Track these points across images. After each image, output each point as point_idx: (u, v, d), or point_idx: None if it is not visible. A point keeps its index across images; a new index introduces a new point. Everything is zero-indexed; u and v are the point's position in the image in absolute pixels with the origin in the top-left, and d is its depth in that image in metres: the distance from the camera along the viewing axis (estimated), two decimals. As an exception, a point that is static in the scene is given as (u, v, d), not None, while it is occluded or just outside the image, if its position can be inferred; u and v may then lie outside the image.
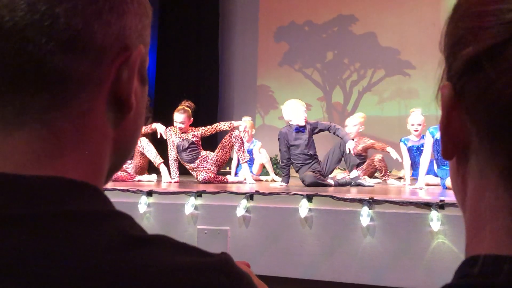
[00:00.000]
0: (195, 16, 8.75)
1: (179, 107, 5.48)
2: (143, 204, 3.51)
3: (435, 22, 7.47)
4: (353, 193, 3.70)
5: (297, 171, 4.98)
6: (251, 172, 6.00)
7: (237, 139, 5.32)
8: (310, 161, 4.94)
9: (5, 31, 0.52)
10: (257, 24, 9.24)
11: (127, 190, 3.65)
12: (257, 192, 3.43)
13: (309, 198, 3.22)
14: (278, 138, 5.00)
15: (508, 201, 0.43)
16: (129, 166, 5.75)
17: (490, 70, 0.40)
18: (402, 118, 7.74)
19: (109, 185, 3.98)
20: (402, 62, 8.25)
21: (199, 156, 5.43)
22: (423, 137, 5.19)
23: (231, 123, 5.53)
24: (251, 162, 6.11)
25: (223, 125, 5.50)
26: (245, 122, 5.70)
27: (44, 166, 0.53)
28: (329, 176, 5.06)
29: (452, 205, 2.90)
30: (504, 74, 0.40)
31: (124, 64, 0.59)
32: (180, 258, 0.50)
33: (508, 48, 0.39)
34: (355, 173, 5.04)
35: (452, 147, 0.47)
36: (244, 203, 3.33)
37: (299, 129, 4.99)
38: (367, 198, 3.11)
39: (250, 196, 3.38)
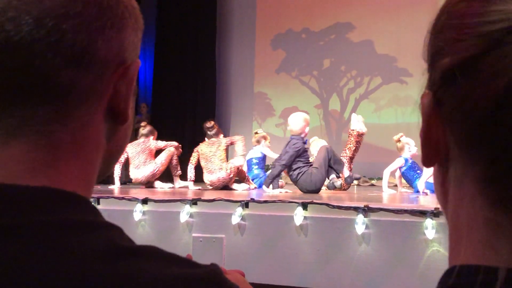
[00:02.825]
0: (193, 23, 8.77)
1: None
2: (138, 212, 3.51)
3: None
4: (348, 201, 3.70)
5: (297, 179, 5.00)
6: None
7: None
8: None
9: (11, 45, 0.53)
10: (254, 31, 9.26)
11: (122, 198, 3.65)
12: (252, 200, 3.43)
13: (304, 206, 3.22)
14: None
15: (484, 211, 0.43)
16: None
17: (465, 82, 0.41)
18: (399, 126, 7.77)
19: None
20: (399, 69, 8.27)
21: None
22: None
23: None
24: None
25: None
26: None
27: (38, 175, 0.54)
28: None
29: (447, 213, 2.90)
30: (479, 86, 0.40)
31: (122, 77, 0.60)
32: (169, 269, 0.50)
33: (483, 60, 0.40)
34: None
35: (432, 155, 0.48)
36: (239, 211, 3.33)
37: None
38: (362, 206, 3.11)
39: (246, 204, 3.38)
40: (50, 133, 0.55)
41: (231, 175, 5.34)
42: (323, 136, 8.59)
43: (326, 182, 5.14)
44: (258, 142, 6.33)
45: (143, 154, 5.63)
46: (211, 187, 5.42)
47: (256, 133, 6.48)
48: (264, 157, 6.27)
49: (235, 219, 3.32)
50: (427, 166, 0.48)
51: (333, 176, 5.08)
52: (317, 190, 4.96)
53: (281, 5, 8.98)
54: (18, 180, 0.52)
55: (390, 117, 8.21)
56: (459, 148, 0.44)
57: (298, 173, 5.00)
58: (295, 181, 5.07)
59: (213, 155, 5.44)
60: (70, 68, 0.55)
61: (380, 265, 3.02)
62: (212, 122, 5.61)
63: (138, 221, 3.49)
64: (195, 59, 8.83)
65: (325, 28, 8.76)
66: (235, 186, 5.49)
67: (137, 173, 5.67)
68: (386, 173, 5.30)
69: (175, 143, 5.74)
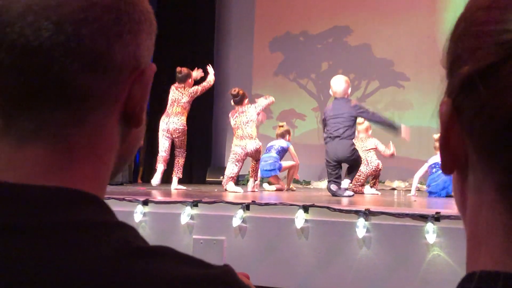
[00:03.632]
0: (191, 25, 8.77)
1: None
2: (138, 213, 3.50)
3: (429, 35, 7.53)
4: (349, 204, 3.71)
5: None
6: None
7: None
8: None
9: (30, 50, 0.53)
10: (252, 34, 9.27)
11: (123, 199, 3.64)
12: (253, 202, 3.43)
13: (306, 208, 3.23)
14: None
15: (504, 218, 0.43)
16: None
17: (485, 90, 0.41)
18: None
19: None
20: (397, 73, 8.30)
21: None
22: None
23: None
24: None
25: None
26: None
27: (53, 177, 0.54)
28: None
29: (448, 217, 2.91)
30: (498, 94, 0.40)
31: (137, 82, 0.61)
32: (184, 269, 0.51)
33: (502, 68, 0.40)
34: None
35: (451, 162, 0.48)
36: (240, 213, 3.33)
37: None
38: (363, 209, 3.12)
39: (247, 206, 3.38)
40: (66, 136, 0.56)
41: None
42: (320, 139, 8.62)
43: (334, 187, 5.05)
44: (282, 135, 6.31)
45: None
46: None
47: (281, 126, 6.44)
48: (286, 150, 6.25)
49: (236, 221, 3.32)
50: (446, 173, 0.49)
51: (346, 182, 5.05)
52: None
53: (279, 8, 8.99)
54: (32, 181, 0.53)
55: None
56: (478, 155, 0.44)
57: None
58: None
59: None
60: (87, 73, 0.55)
61: (380, 269, 3.03)
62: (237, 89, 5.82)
63: (139, 223, 3.49)
64: (193, 61, 8.81)
65: (323, 31, 8.78)
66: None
67: None
68: (416, 177, 5.37)
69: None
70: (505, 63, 0.40)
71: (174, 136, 5.80)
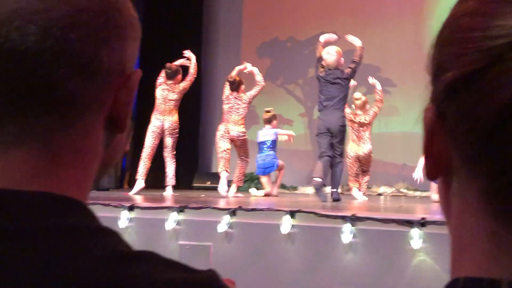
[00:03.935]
0: (178, 31, 8.76)
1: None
2: (124, 219, 3.48)
3: (416, 41, 7.58)
4: (335, 209, 3.72)
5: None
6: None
7: None
8: None
9: (17, 54, 0.53)
10: (240, 39, 9.29)
11: (109, 205, 3.62)
12: (240, 207, 3.43)
13: (292, 214, 3.23)
14: None
15: (488, 224, 0.43)
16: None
17: (468, 96, 0.42)
18: (382, 135, 7.83)
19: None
20: (383, 79, 8.32)
21: None
22: None
23: None
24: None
25: None
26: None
27: (37, 182, 0.54)
28: None
29: (433, 223, 2.93)
30: (481, 100, 0.41)
31: (123, 87, 0.61)
32: (168, 273, 0.50)
33: (485, 75, 0.40)
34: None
35: (435, 169, 0.48)
36: (227, 218, 3.33)
37: None
38: (350, 214, 3.13)
39: (233, 212, 3.37)
40: (52, 141, 0.56)
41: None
42: (308, 144, 8.64)
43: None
44: (270, 121, 6.34)
45: None
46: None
47: (268, 112, 6.46)
48: (276, 139, 6.31)
49: (223, 227, 3.31)
50: (431, 179, 0.49)
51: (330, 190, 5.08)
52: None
53: (267, 13, 9.02)
54: (17, 186, 0.52)
55: (374, 126, 8.25)
56: (462, 161, 0.44)
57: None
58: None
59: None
60: (75, 78, 0.55)
61: (366, 274, 3.04)
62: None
63: (124, 228, 3.47)
64: (180, 66, 8.80)
65: (310, 37, 8.80)
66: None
67: None
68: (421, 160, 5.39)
69: None
70: (488, 69, 0.40)
71: (167, 134, 5.81)
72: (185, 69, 6.13)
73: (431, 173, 0.48)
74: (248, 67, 6.20)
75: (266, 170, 6.12)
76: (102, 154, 0.62)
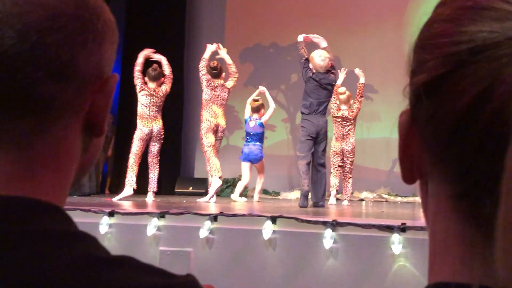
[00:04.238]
0: (161, 36, 8.73)
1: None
2: (104, 225, 3.45)
3: (397, 47, 7.64)
4: (317, 215, 3.73)
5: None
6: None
7: None
8: None
9: None
10: (223, 44, 9.27)
11: (89, 210, 3.58)
12: (221, 213, 3.42)
13: (273, 219, 3.23)
14: None
15: (459, 227, 0.43)
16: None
17: (433, 100, 0.42)
18: (364, 141, 7.87)
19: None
20: (365, 85, 8.40)
21: None
22: None
23: None
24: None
25: None
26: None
27: (14, 187, 0.54)
28: None
29: (413, 228, 2.95)
30: (444, 104, 0.41)
31: (100, 91, 0.61)
32: (146, 278, 0.50)
33: (449, 79, 0.41)
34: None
35: (410, 172, 0.48)
36: (208, 224, 3.31)
37: None
38: (331, 220, 3.13)
39: (214, 217, 3.36)
40: (29, 145, 0.55)
41: None
42: (290, 150, 8.65)
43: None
44: (258, 109, 6.35)
45: None
46: None
47: (256, 101, 6.48)
48: (264, 131, 6.39)
49: (203, 233, 3.30)
50: (407, 182, 0.49)
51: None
52: None
53: (249, 19, 9.03)
54: None
55: (356, 132, 8.30)
56: (432, 165, 0.45)
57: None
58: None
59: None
60: (52, 82, 0.54)
61: (347, 279, 3.04)
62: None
63: (104, 234, 3.43)
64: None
65: (292, 43, 8.81)
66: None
67: None
68: None
69: None
70: (452, 74, 0.41)
71: (154, 140, 5.77)
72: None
73: (406, 176, 0.49)
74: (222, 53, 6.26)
75: (250, 157, 6.14)
76: (79, 158, 0.61)
